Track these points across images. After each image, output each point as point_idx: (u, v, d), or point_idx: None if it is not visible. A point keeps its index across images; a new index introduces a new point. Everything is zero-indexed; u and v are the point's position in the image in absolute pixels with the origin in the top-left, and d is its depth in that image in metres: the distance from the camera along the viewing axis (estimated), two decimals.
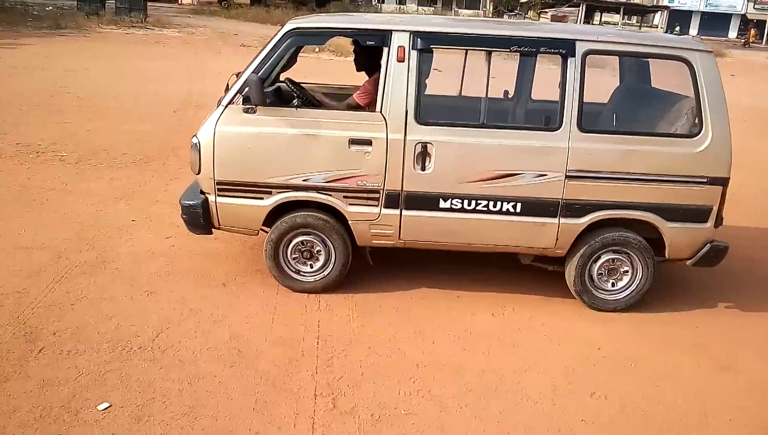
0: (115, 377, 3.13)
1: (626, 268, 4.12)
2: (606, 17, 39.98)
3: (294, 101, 4.19)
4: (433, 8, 46.37)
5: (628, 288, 4.13)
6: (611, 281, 4.15)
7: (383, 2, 51.13)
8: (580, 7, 34.04)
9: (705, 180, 3.90)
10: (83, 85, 11.35)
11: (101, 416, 2.85)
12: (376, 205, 3.94)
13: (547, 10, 38.65)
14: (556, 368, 3.49)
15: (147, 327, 3.61)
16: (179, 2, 44.56)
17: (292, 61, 4.35)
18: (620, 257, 4.09)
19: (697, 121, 3.89)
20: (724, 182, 3.93)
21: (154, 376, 3.16)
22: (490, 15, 46.17)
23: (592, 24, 36.90)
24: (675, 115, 4.16)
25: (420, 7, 47.09)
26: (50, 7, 30.36)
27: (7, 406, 2.86)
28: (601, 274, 4.12)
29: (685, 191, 3.92)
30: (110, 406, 2.92)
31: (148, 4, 29.81)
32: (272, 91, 4.08)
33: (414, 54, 3.81)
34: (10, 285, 3.97)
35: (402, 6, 49.17)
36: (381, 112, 3.82)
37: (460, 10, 48.61)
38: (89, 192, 5.83)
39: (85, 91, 10.82)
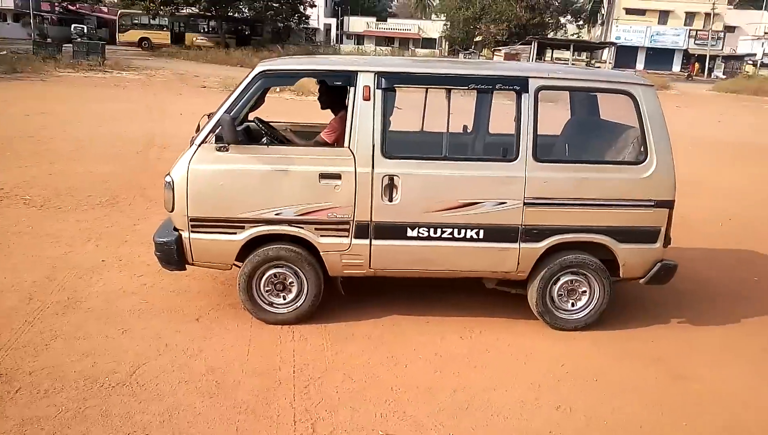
0: (96, 413, 3.17)
1: (584, 289, 4.35)
2: (557, 54, 41.53)
3: (263, 139, 4.36)
4: (390, 48, 47.46)
5: (586, 307, 4.37)
6: (571, 301, 4.38)
7: (342, 43, 52.16)
8: (532, 45, 35.31)
9: (652, 203, 4.18)
10: (44, 128, 11.30)
11: None
12: (347, 236, 4.11)
13: (500, 48, 39.96)
14: (523, 385, 3.66)
15: (124, 363, 3.65)
16: (117, 41, 44.11)
17: (260, 101, 4.53)
18: (578, 278, 4.33)
19: (642, 149, 4.19)
20: (670, 205, 4.22)
21: (135, 410, 3.21)
22: (446, 54, 47.48)
23: (544, 60, 38.27)
24: (622, 144, 4.46)
25: (378, 47, 48.13)
26: (4, 52, 30.00)
27: None
28: (561, 295, 4.35)
29: (634, 214, 4.19)
30: None
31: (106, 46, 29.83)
32: (242, 130, 4.25)
33: (379, 93, 4.04)
34: None
35: (360, 46, 50.19)
36: (349, 147, 4.03)
37: (416, 50, 49.83)
38: (56, 234, 5.83)
39: (46, 134, 10.78)
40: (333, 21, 54.44)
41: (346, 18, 55.09)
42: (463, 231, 4.13)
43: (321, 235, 4.11)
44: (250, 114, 4.58)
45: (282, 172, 4.01)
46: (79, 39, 36.72)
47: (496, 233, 4.14)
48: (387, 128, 4.10)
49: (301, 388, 3.51)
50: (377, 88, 4.04)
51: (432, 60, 5.79)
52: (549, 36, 43.67)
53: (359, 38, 53.74)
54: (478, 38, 46.41)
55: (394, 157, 4.06)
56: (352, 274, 4.27)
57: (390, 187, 4.04)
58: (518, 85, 4.13)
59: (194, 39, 42.29)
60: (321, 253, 4.15)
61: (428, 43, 51.85)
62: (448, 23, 47.27)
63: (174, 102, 17.37)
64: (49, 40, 34.71)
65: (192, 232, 4.09)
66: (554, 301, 4.36)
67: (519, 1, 42.18)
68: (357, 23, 54.63)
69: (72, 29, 55.89)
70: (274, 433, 3.09)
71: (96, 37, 49.26)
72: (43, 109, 13.67)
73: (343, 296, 4.46)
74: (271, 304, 4.26)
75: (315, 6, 45.41)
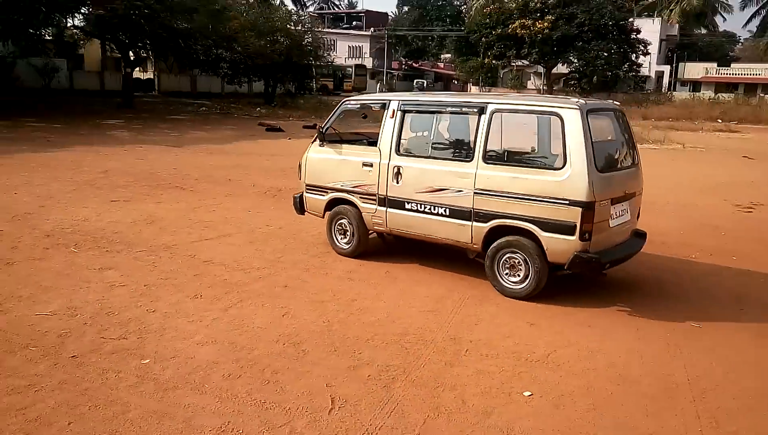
0: (528, 377, 4.10)
1: (522, 266, 5.44)
2: None
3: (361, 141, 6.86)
4: (734, 94, 43.13)
5: (524, 281, 5.45)
6: (513, 274, 5.51)
7: (675, 90, 49.38)
8: None
9: (567, 202, 5.10)
10: None
11: (527, 400, 3.81)
12: (374, 204, 6.26)
13: None
14: None
15: (538, 347, 4.56)
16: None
17: (365, 117, 7.03)
18: (517, 256, 5.45)
19: (563, 158, 5.15)
20: (582, 205, 5.03)
21: (558, 381, 4.05)
22: None
23: None
24: (556, 153, 5.35)
25: (719, 94, 44.17)
26: None
27: (458, 384, 4.00)
28: (505, 267, 5.54)
29: (553, 209, 5.17)
30: (532, 394, 3.87)
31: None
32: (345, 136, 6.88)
33: (399, 113, 6.14)
34: (425, 306, 5.32)
35: (696, 93, 46.74)
36: (379, 147, 6.18)
37: (766, 96, 44.44)
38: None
39: None
40: (666, 68, 51.91)
41: (681, 64, 51.99)
42: (436, 208, 5.81)
43: (362, 202, 6.38)
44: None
45: (345, 160, 6.47)
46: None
47: (456, 212, 5.70)
48: (401, 135, 6.09)
49: (698, 392, 3.96)
50: (398, 110, 6.14)
51: (440, 93, 8.40)
52: None
53: (695, 84, 50.15)
54: None
55: (401, 155, 6.06)
56: (378, 230, 6.46)
57: (397, 174, 6.03)
58: (477, 108, 5.68)
59: None
60: (362, 214, 6.39)
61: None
62: None
63: None
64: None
65: (306, 192, 6.91)
66: (500, 272, 5.56)
67: None
68: (694, 69, 51.01)
69: (414, 83, 63.89)
70: (682, 421, 3.62)
71: (431, 89, 55.02)
72: None
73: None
74: (339, 241, 6.70)
75: (648, 54, 43.97)
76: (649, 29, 47.03)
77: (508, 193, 5.35)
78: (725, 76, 50.26)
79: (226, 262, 6.30)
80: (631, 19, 43.79)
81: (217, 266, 6.15)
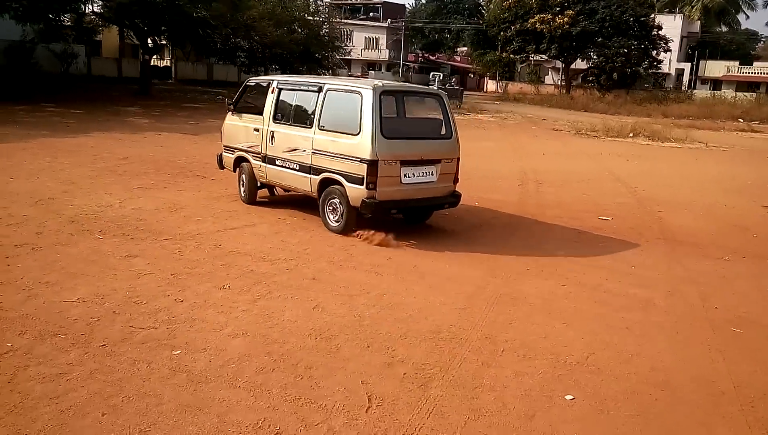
0: (568, 380, 3.98)
1: (338, 209, 7.02)
2: None
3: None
4: (756, 93, 42.47)
5: (339, 221, 7.03)
6: (334, 215, 7.12)
7: (695, 88, 48.72)
8: None
9: (359, 159, 6.60)
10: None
11: (570, 404, 3.70)
12: (260, 160, 7.98)
13: None
14: None
15: (575, 350, 4.43)
16: (485, 90, 48.42)
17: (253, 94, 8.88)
18: (335, 201, 7.05)
19: (359, 126, 6.64)
20: (367, 162, 6.52)
21: (599, 385, 3.93)
22: None
23: None
24: (356, 122, 6.73)
25: (738, 93, 43.56)
26: None
27: (496, 385, 3.89)
28: (329, 210, 7.14)
29: (352, 165, 6.68)
30: (574, 398, 3.75)
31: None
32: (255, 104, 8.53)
33: (276, 90, 7.84)
34: (456, 303, 5.20)
35: (717, 91, 46.06)
36: (263, 116, 7.87)
37: None
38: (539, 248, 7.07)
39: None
40: (687, 66, 51.26)
41: (702, 62, 51.30)
42: (292, 164, 7.47)
43: (253, 159, 8.11)
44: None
45: (245, 126, 8.25)
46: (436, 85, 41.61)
47: (303, 167, 7.31)
48: (278, 107, 7.75)
49: (746, 402, 3.82)
50: (276, 88, 7.85)
51: (303, 76, 9.25)
52: None
53: (716, 83, 49.51)
54: None
55: (275, 122, 7.72)
56: (262, 181, 8.15)
57: (272, 137, 7.73)
58: (317, 88, 7.32)
59: None
60: (253, 168, 8.14)
61: None
62: None
63: (532, 143, 18.72)
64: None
65: (224, 152, 8.80)
66: (327, 214, 7.18)
67: None
68: (715, 67, 50.31)
69: (430, 76, 63.51)
70: (733, 426, 3.49)
71: (448, 82, 54.82)
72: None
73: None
74: (241, 191, 8.50)
75: (669, 51, 43.41)
76: (670, 26, 46.48)
77: (330, 152, 6.94)
78: (747, 75, 49.53)
79: (252, 252, 6.21)
80: (652, 15, 43.21)
81: (243, 256, 6.06)
